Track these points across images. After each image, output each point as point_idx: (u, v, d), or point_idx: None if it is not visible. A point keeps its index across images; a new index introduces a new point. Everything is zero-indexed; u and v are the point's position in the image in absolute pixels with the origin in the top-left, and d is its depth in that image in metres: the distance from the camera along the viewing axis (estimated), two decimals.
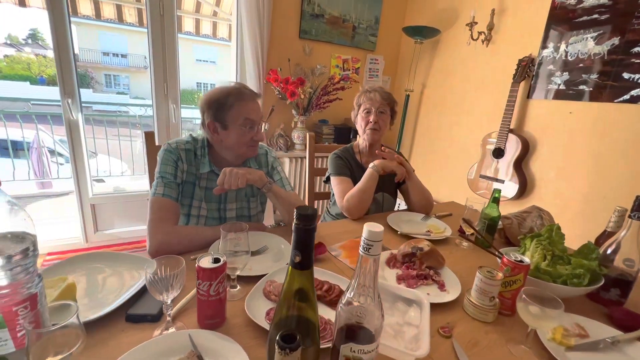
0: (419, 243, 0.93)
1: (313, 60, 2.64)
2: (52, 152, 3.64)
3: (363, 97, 1.42)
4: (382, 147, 1.40)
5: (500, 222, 1.17)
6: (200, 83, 18.14)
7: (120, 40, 16.14)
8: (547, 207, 1.24)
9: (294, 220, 0.41)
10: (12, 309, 0.47)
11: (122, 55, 16.78)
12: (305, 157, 2.20)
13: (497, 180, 2.23)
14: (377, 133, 1.42)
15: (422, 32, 2.56)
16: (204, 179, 1.07)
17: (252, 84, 2.37)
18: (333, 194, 1.46)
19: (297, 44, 2.56)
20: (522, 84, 2.10)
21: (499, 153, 2.19)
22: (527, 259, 0.76)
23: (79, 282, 0.72)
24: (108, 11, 2.79)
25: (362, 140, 1.48)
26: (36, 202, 3.33)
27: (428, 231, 1.20)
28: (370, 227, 0.48)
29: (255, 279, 0.78)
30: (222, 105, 0.99)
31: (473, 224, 1.10)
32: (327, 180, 1.50)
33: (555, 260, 0.88)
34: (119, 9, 2.83)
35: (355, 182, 1.34)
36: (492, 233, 1.13)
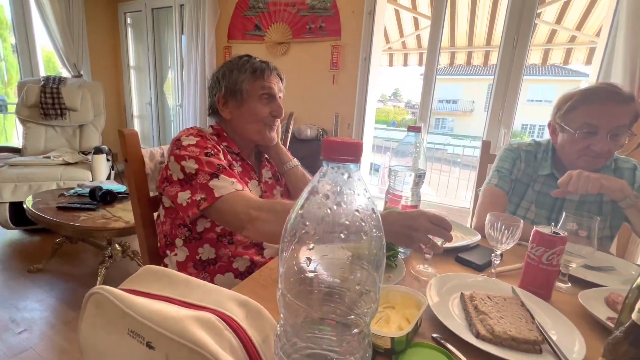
0: None
1: None
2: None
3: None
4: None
5: None
6: (526, 125, 18.18)
7: (452, 89, 19.79)
8: None
9: None
10: None
11: (453, 102, 20.25)
12: None
13: None
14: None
15: None
16: (540, 182, 1.03)
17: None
18: None
19: None
20: None
21: None
22: None
23: None
24: (460, 58, 3.39)
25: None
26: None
27: None
28: None
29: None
30: (566, 106, 0.93)
31: None
32: None
33: None
34: (469, 54, 3.36)
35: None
36: None
